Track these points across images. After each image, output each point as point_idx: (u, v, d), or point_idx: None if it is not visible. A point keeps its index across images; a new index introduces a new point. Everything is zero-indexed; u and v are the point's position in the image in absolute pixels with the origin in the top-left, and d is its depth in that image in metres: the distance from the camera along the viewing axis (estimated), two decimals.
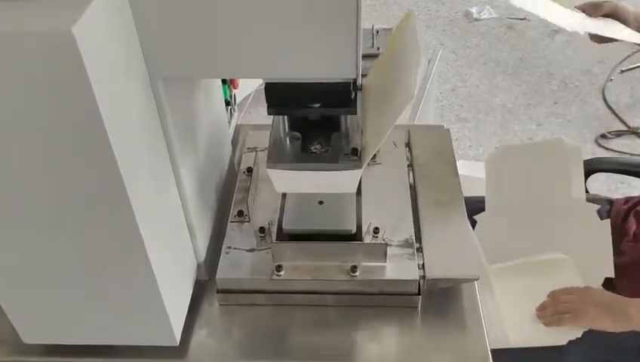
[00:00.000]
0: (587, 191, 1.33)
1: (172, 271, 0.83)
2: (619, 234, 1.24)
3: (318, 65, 0.72)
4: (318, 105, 0.78)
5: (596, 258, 1.17)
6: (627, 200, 1.32)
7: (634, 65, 3.00)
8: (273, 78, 0.75)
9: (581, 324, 1.10)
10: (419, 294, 0.90)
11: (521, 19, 3.41)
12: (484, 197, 1.37)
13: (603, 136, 2.60)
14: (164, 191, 0.81)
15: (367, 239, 0.94)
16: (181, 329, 0.87)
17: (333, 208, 0.97)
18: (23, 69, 0.58)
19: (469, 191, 1.11)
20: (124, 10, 0.66)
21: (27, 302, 0.81)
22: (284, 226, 0.96)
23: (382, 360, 0.86)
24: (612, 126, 2.66)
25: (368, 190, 1.03)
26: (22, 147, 0.64)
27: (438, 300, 0.92)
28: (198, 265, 0.95)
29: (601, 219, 1.21)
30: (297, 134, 0.84)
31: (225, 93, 1.12)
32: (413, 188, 1.06)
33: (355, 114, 0.78)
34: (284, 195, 1.02)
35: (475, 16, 3.44)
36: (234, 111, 1.23)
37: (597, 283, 1.15)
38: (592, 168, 1.35)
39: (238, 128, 1.26)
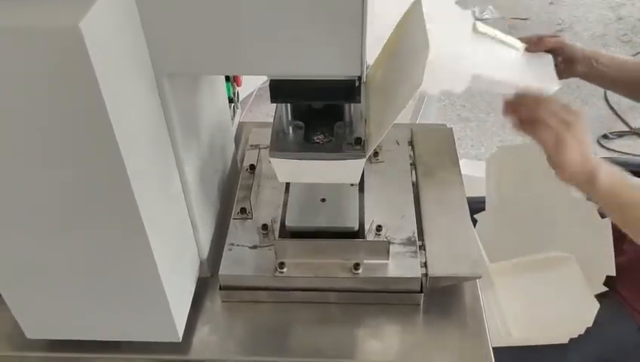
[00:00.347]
0: None
1: (175, 268, 0.84)
2: (620, 234, 1.24)
3: (322, 62, 0.72)
4: (322, 100, 0.78)
5: (597, 256, 1.17)
6: None
7: None
8: (277, 75, 0.75)
9: (552, 148, 0.92)
10: (421, 292, 0.91)
11: (524, 19, 3.41)
12: (484, 196, 1.37)
13: (605, 136, 2.60)
14: (168, 187, 0.82)
15: (370, 237, 0.94)
16: (184, 325, 0.87)
17: (335, 206, 0.97)
18: (30, 64, 0.58)
19: (470, 190, 1.11)
20: (130, 7, 0.67)
21: (31, 298, 0.82)
22: (287, 223, 0.96)
23: (384, 357, 0.86)
24: (614, 126, 2.66)
25: (371, 188, 1.03)
26: (27, 143, 0.64)
27: (440, 298, 0.92)
28: (201, 262, 0.95)
29: (602, 218, 1.21)
30: (300, 123, 0.84)
31: (228, 90, 1.12)
32: (415, 187, 1.06)
33: (359, 102, 0.78)
34: (286, 192, 1.02)
35: (477, 15, 3.44)
36: (237, 108, 1.23)
37: (598, 281, 1.15)
38: None
39: (241, 126, 1.26)
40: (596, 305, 1.09)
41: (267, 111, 2.63)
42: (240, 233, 0.97)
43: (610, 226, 1.18)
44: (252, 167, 1.08)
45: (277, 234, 0.96)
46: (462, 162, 1.15)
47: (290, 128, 0.85)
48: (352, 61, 0.72)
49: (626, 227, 0.98)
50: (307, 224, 0.96)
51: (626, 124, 2.67)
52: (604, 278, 1.15)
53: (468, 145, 2.61)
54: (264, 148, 1.11)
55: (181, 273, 0.87)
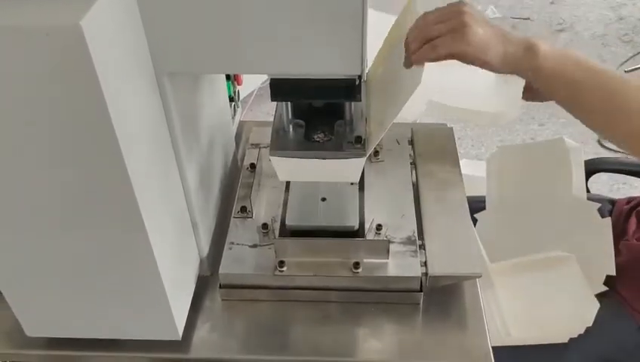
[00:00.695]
0: (588, 191, 1.33)
1: (175, 266, 0.84)
2: (620, 234, 1.24)
3: (323, 61, 0.72)
4: (322, 99, 0.78)
5: (597, 255, 1.17)
6: (629, 200, 1.32)
7: (637, 66, 3.00)
8: (278, 74, 0.75)
9: (462, 46, 0.80)
10: (421, 291, 0.91)
11: (525, 18, 3.41)
12: (485, 196, 1.37)
13: None
14: (169, 186, 0.82)
15: (370, 236, 0.94)
16: (184, 323, 0.88)
17: (335, 205, 0.98)
18: (31, 63, 0.59)
19: (470, 190, 1.11)
20: (131, 5, 0.67)
21: (31, 296, 0.82)
22: (287, 222, 0.96)
23: (383, 356, 0.86)
24: None
25: (371, 187, 1.03)
26: (28, 142, 0.65)
27: (440, 297, 0.92)
28: (201, 261, 0.95)
29: (602, 218, 1.21)
30: (301, 122, 0.84)
31: (229, 89, 1.13)
32: (415, 186, 1.06)
33: (360, 101, 0.78)
34: (287, 191, 1.02)
35: None
36: (237, 107, 1.23)
37: (598, 280, 1.15)
38: (593, 168, 1.35)
39: (241, 124, 1.26)
40: (596, 305, 1.09)
41: (268, 110, 2.63)
42: (240, 232, 0.97)
43: (610, 226, 1.19)
44: (252, 166, 1.08)
45: (277, 233, 0.96)
46: (462, 162, 1.15)
47: (291, 127, 0.85)
48: (352, 60, 0.72)
49: (575, 110, 0.87)
50: (307, 223, 0.96)
51: None
52: (604, 278, 1.15)
53: (468, 145, 2.61)
54: (264, 147, 1.11)
55: (181, 271, 0.87)
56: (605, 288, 1.15)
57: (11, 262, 0.77)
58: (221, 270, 0.91)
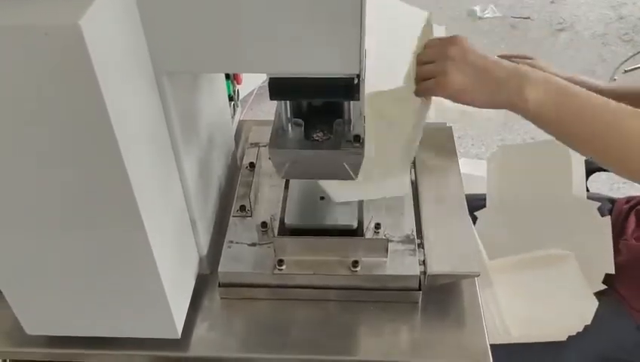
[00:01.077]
0: (588, 190, 1.33)
1: (174, 265, 0.84)
2: (620, 234, 1.25)
3: (321, 60, 0.72)
4: (321, 98, 0.78)
5: (597, 254, 1.17)
6: (629, 199, 1.32)
7: (637, 65, 3.00)
8: (276, 73, 0.75)
9: (444, 94, 0.89)
10: (419, 290, 0.91)
11: (525, 18, 3.41)
12: (485, 194, 1.38)
13: None
14: (168, 185, 0.82)
15: (369, 234, 0.95)
16: (183, 322, 0.88)
17: (334, 204, 0.98)
18: (30, 62, 0.59)
19: (470, 189, 1.11)
20: (130, 5, 0.67)
21: (31, 294, 0.82)
22: (286, 221, 0.96)
23: (382, 354, 0.87)
24: None
25: None
26: (27, 141, 0.65)
27: (439, 296, 0.93)
28: (200, 259, 0.96)
29: (602, 217, 1.21)
30: (300, 121, 0.84)
31: (228, 88, 1.13)
32: (414, 185, 1.06)
33: (358, 100, 0.78)
34: (286, 190, 1.02)
35: (478, 14, 3.44)
36: (237, 106, 1.23)
37: (597, 279, 1.15)
38: (593, 167, 1.35)
39: (241, 124, 1.27)
40: (595, 303, 1.09)
41: (268, 110, 2.64)
42: (239, 230, 0.97)
43: (609, 225, 1.19)
44: (252, 165, 1.08)
45: (276, 231, 0.96)
46: (462, 161, 1.16)
47: (290, 125, 0.85)
48: (351, 59, 0.72)
49: (569, 143, 0.91)
50: (306, 221, 0.96)
51: None
52: (603, 276, 1.16)
53: (468, 144, 2.62)
54: (264, 146, 1.12)
55: (180, 270, 0.87)
56: (604, 286, 1.15)
57: (11, 260, 0.78)
58: (220, 268, 0.92)
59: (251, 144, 1.14)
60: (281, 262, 0.91)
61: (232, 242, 0.95)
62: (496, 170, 1.38)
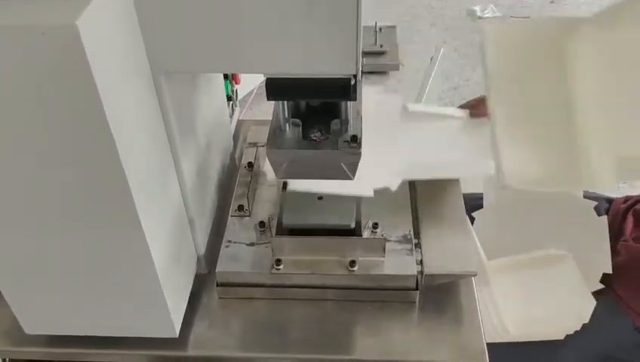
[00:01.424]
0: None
1: (172, 264, 0.84)
2: (617, 233, 1.25)
3: (318, 61, 0.72)
4: (318, 98, 0.78)
5: (594, 253, 1.17)
6: (626, 199, 1.33)
7: None
8: (273, 73, 0.76)
9: None
10: (417, 289, 0.91)
11: (525, 17, 3.41)
12: (482, 193, 1.38)
13: None
14: (166, 184, 0.82)
15: (366, 234, 0.95)
16: (181, 321, 0.88)
17: (332, 203, 0.98)
18: (26, 62, 0.59)
19: (468, 188, 1.11)
20: (127, 4, 0.67)
21: (29, 294, 0.82)
22: (284, 221, 0.97)
23: (379, 354, 0.87)
24: None
25: None
26: (24, 141, 0.65)
27: (436, 295, 0.93)
28: (198, 259, 0.96)
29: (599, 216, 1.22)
30: (297, 121, 0.84)
31: (227, 88, 1.13)
32: (412, 184, 1.06)
33: (355, 100, 0.78)
34: (284, 190, 1.02)
35: (478, 14, 3.44)
36: (235, 106, 1.23)
37: (595, 278, 1.15)
38: None
39: (239, 123, 1.27)
40: (593, 302, 1.10)
41: (267, 110, 2.61)
42: (237, 230, 0.97)
43: (606, 224, 1.19)
44: (250, 165, 1.08)
45: (274, 231, 0.96)
46: None
47: (288, 125, 0.86)
48: (348, 59, 0.72)
49: None
50: (304, 221, 0.96)
51: None
52: (601, 276, 1.16)
53: None
54: (262, 145, 1.12)
55: (178, 269, 0.88)
56: (602, 286, 1.16)
57: (10, 260, 0.78)
58: (218, 268, 0.92)
59: (250, 144, 1.14)
60: (278, 261, 0.91)
61: (230, 242, 0.95)
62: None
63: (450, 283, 0.94)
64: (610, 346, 1.17)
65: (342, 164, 0.83)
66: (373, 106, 0.96)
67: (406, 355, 0.87)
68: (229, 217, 1.00)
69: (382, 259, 0.92)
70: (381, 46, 3.00)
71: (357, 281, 0.91)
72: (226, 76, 1.12)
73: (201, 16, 0.70)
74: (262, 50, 0.72)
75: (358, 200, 1.00)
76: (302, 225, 0.96)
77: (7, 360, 0.93)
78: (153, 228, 0.75)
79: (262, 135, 1.12)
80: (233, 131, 1.21)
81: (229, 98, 1.16)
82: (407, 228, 0.96)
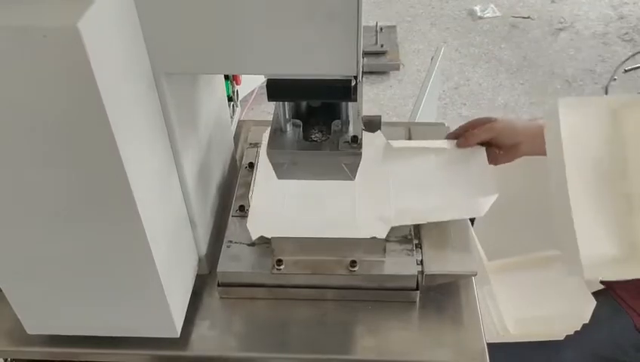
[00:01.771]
0: None
1: (173, 265, 0.85)
2: None
3: (318, 62, 0.73)
4: (318, 99, 0.79)
5: None
6: None
7: (637, 65, 3.00)
8: (274, 74, 0.76)
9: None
10: (417, 289, 0.91)
11: (525, 17, 3.41)
12: None
13: None
14: (167, 184, 0.83)
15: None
16: (182, 321, 0.88)
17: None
18: (28, 63, 0.59)
19: None
20: (128, 6, 0.67)
21: (31, 294, 0.83)
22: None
23: (380, 354, 0.87)
24: None
25: None
26: (26, 141, 0.65)
27: (436, 295, 0.93)
28: (200, 259, 0.96)
29: None
30: (298, 121, 0.85)
31: (227, 88, 1.13)
32: None
33: (355, 101, 0.79)
34: None
35: (478, 14, 3.44)
36: (236, 106, 1.24)
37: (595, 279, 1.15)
38: None
39: (240, 124, 1.27)
40: (593, 303, 1.09)
41: (268, 110, 2.64)
42: (238, 230, 0.97)
43: None
44: (251, 165, 1.09)
45: None
46: None
47: (288, 126, 0.86)
48: (348, 61, 0.72)
49: None
50: None
51: None
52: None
53: None
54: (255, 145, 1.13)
55: (179, 270, 0.88)
56: (602, 286, 1.16)
57: (11, 260, 0.78)
58: (219, 268, 0.92)
59: (250, 144, 1.15)
60: (279, 261, 0.92)
61: (231, 242, 0.96)
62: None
63: (451, 283, 0.94)
64: (611, 346, 1.17)
65: (342, 164, 0.83)
66: None
67: (406, 355, 0.87)
68: (230, 217, 1.00)
69: (382, 259, 0.92)
70: (382, 46, 3.00)
71: (357, 281, 0.92)
72: (226, 77, 1.12)
73: (201, 17, 0.70)
74: (262, 51, 0.72)
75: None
76: None
77: (9, 359, 0.94)
78: (155, 228, 0.76)
79: (263, 135, 1.12)
80: (234, 132, 1.21)
81: (230, 98, 1.16)
82: (408, 229, 0.96)
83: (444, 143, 1.09)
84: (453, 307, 0.92)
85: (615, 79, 2.93)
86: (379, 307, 0.92)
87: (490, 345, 0.87)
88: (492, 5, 3.49)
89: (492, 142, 1.07)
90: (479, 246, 1.12)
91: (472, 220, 1.33)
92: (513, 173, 1.36)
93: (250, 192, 1.01)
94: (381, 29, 3.08)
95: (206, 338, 0.90)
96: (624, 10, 3.45)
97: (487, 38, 3.29)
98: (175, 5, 0.69)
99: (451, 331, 0.89)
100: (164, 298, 0.81)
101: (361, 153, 0.83)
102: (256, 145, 1.13)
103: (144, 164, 0.74)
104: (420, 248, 0.94)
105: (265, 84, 0.77)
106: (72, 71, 0.59)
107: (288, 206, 0.98)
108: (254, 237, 0.93)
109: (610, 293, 1.17)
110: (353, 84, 0.75)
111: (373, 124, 0.97)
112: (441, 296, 0.93)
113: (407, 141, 1.13)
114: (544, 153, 1.01)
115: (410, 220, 0.95)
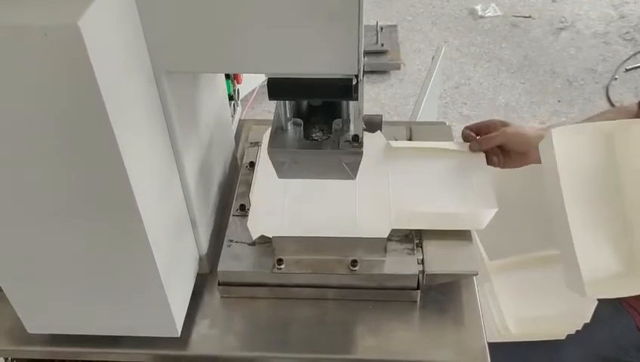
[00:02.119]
0: None
1: (174, 264, 0.84)
2: None
3: (319, 61, 0.73)
4: (319, 98, 0.78)
5: None
6: None
7: (638, 64, 3.00)
8: (275, 73, 0.76)
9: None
10: (418, 289, 0.91)
11: (526, 17, 3.41)
12: None
13: None
14: (168, 184, 0.82)
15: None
16: (182, 320, 0.88)
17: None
18: (29, 62, 0.59)
19: None
20: (129, 5, 0.67)
21: (32, 294, 0.83)
22: None
23: (380, 353, 0.87)
24: None
25: None
26: (27, 139, 0.65)
27: (437, 295, 0.93)
28: (200, 258, 0.96)
29: None
30: (299, 120, 0.85)
31: (228, 87, 1.13)
32: None
33: (357, 100, 0.79)
34: None
35: (479, 13, 3.44)
36: (237, 105, 1.24)
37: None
38: None
39: (241, 123, 1.27)
40: (594, 302, 1.09)
41: (269, 109, 2.64)
42: (239, 229, 0.97)
43: None
44: (252, 164, 1.09)
45: None
46: None
47: (289, 125, 0.86)
48: (349, 59, 0.72)
49: None
50: None
51: None
52: None
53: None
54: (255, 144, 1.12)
55: (180, 269, 0.88)
56: None
57: (12, 259, 0.78)
58: (220, 267, 0.92)
59: (251, 143, 1.14)
60: (280, 261, 0.91)
61: (231, 241, 0.96)
62: (495, 169, 1.38)
63: (452, 282, 0.94)
64: (612, 346, 1.16)
65: (343, 163, 0.83)
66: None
67: (407, 355, 0.87)
68: (231, 217, 1.00)
69: (383, 258, 0.92)
70: (382, 45, 3.00)
71: (358, 281, 0.92)
72: (227, 76, 1.12)
73: (202, 16, 0.70)
74: (263, 49, 0.72)
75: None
76: None
77: (10, 359, 0.94)
78: (155, 227, 0.75)
79: (264, 135, 1.12)
80: (235, 131, 1.21)
81: (231, 97, 1.16)
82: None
83: (443, 145, 1.09)
84: (454, 306, 0.92)
85: (616, 78, 2.93)
86: (380, 306, 0.92)
87: (491, 344, 0.87)
88: (493, 4, 3.48)
89: (502, 147, 1.08)
90: (480, 246, 1.12)
91: None
92: (514, 172, 1.36)
93: (251, 191, 1.01)
94: (382, 28, 3.08)
95: (206, 337, 0.90)
96: (625, 10, 3.45)
97: (488, 37, 3.29)
98: (176, 4, 0.69)
99: (452, 330, 0.89)
100: (164, 297, 0.81)
101: (362, 152, 0.82)
102: (257, 144, 1.13)
103: (145, 163, 0.74)
104: (421, 247, 0.94)
105: (266, 83, 0.76)
106: (73, 69, 0.59)
107: (289, 205, 0.98)
108: (255, 236, 0.93)
109: None
110: (354, 82, 0.75)
111: (374, 124, 0.96)
112: (442, 295, 0.93)
113: (407, 142, 1.13)
114: None
115: (410, 225, 0.95)
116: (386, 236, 0.91)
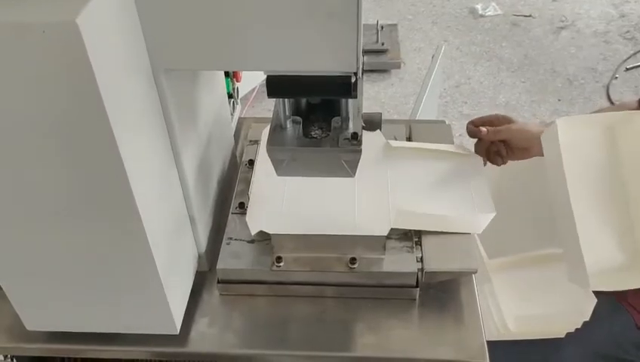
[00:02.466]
0: None
1: (173, 261, 0.84)
2: None
3: (319, 58, 0.72)
4: (318, 95, 0.78)
5: None
6: None
7: (639, 63, 2.99)
8: (274, 71, 0.76)
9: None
10: (417, 286, 0.91)
11: (526, 16, 3.40)
12: None
13: None
14: (167, 182, 0.82)
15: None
16: (181, 318, 0.88)
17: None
18: (27, 59, 0.59)
19: None
20: (127, 2, 0.67)
21: (31, 290, 0.83)
22: None
23: (379, 351, 0.87)
24: None
25: None
26: (26, 137, 0.65)
27: (436, 293, 0.93)
28: (199, 256, 0.96)
29: None
30: (298, 118, 0.85)
31: (228, 85, 1.13)
32: None
33: (356, 98, 0.79)
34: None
35: (480, 12, 3.43)
36: (236, 104, 1.24)
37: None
38: None
39: (240, 121, 1.27)
40: (593, 300, 1.09)
41: (269, 107, 2.63)
42: (238, 227, 0.97)
43: None
44: (251, 162, 1.09)
45: None
46: None
47: (288, 123, 0.86)
48: (348, 57, 0.72)
49: None
50: None
51: None
52: None
53: (469, 142, 2.61)
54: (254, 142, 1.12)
55: (179, 266, 0.88)
56: None
57: (12, 258, 0.78)
58: (219, 265, 0.92)
59: (250, 141, 1.14)
60: (279, 258, 0.91)
61: (230, 239, 0.96)
62: (495, 168, 1.38)
63: (451, 280, 0.94)
64: (611, 344, 1.16)
65: (342, 161, 0.83)
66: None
67: (406, 352, 0.87)
68: (230, 214, 1.00)
69: (382, 256, 0.92)
70: (382, 44, 3.00)
71: (357, 278, 0.92)
72: (227, 74, 1.12)
73: (201, 13, 0.70)
74: (262, 47, 0.72)
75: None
76: None
77: (9, 356, 0.94)
78: (154, 225, 0.75)
79: (263, 133, 1.12)
80: (234, 129, 1.21)
81: (230, 95, 1.16)
82: None
83: (442, 147, 1.09)
84: (453, 304, 0.92)
85: (616, 77, 2.93)
86: (379, 304, 0.92)
87: (490, 342, 0.87)
88: (493, 3, 3.48)
89: (506, 143, 1.10)
90: (480, 244, 1.12)
91: None
92: (514, 170, 1.36)
93: (250, 189, 1.01)
94: (382, 27, 3.07)
95: (205, 335, 0.90)
96: (625, 9, 3.44)
97: (488, 36, 3.29)
98: (175, 1, 0.69)
99: (451, 328, 0.89)
100: (163, 295, 0.81)
101: (361, 150, 0.82)
102: (257, 142, 1.13)
103: (144, 161, 0.74)
104: (420, 245, 0.94)
105: (265, 81, 0.76)
106: (71, 67, 0.59)
107: (288, 203, 0.98)
108: (253, 232, 0.93)
109: (610, 291, 1.16)
110: (353, 80, 0.75)
111: (373, 122, 0.96)
112: (441, 293, 0.93)
113: (406, 142, 1.13)
114: None
115: (409, 225, 0.95)
116: (385, 234, 0.91)
